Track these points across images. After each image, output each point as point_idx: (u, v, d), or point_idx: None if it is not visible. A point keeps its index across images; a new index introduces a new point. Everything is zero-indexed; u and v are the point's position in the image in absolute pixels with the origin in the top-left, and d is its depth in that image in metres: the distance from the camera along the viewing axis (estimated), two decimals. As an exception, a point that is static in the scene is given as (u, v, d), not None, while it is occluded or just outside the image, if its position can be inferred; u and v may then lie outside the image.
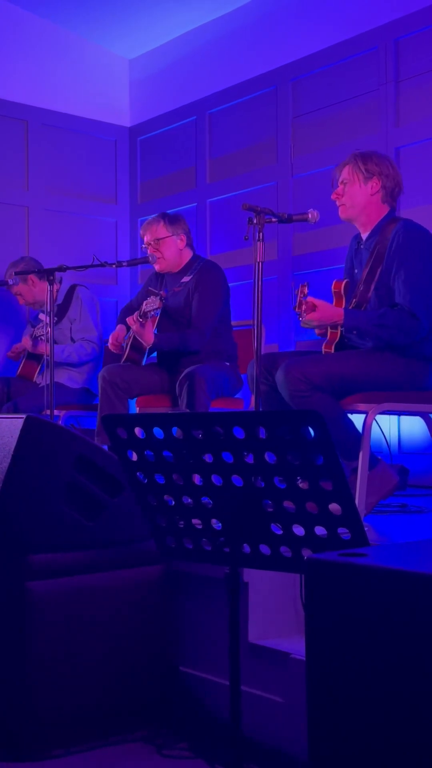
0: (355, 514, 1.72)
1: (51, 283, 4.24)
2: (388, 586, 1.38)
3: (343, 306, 3.38)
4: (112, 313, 6.14)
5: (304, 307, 3.19)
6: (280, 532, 1.84)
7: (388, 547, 1.60)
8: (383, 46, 4.87)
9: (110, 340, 4.34)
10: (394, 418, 4.68)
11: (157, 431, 1.94)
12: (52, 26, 6.10)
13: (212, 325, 4.29)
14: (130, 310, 4.50)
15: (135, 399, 4.27)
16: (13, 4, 5.92)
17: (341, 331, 3.31)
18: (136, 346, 4.26)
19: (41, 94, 6.09)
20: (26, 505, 2.57)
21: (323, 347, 3.36)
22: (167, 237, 4.38)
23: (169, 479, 2.00)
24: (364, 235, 3.49)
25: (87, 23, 6.08)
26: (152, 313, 4.11)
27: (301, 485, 1.78)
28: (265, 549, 1.88)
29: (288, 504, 1.80)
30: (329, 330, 3.33)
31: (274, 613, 2.63)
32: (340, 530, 1.75)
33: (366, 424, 3.15)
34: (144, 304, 4.14)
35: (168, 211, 4.63)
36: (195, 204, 5.95)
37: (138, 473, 2.06)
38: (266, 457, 1.79)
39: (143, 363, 4.28)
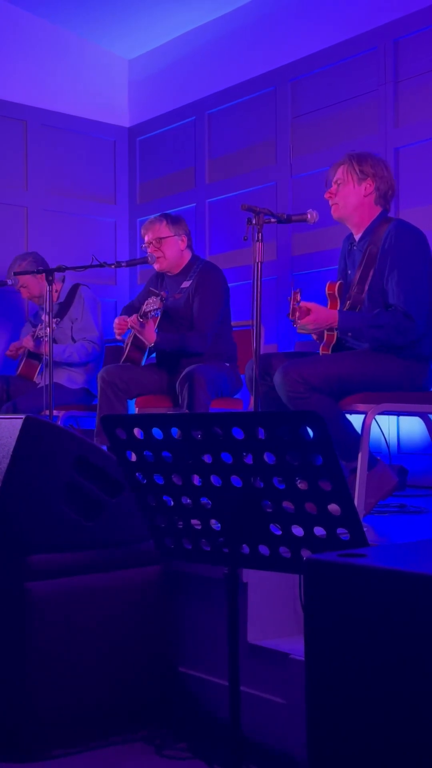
0: (354, 514, 1.72)
1: (50, 283, 4.24)
2: (387, 586, 1.39)
3: (338, 308, 3.39)
4: (111, 313, 6.14)
5: (298, 313, 3.20)
6: (280, 533, 1.84)
7: (388, 548, 1.60)
8: (382, 46, 4.87)
9: (115, 325, 4.31)
10: (393, 418, 4.68)
11: (156, 432, 1.94)
12: (51, 26, 6.10)
13: (214, 327, 4.29)
14: (131, 309, 4.50)
15: (134, 399, 4.27)
16: (13, 4, 5.92)
17: (337, 333, 3.32)
18: (137, 345, 4.25)
19: (40, 95, 6.09)
20: (25, 505, 2.57)
21: (320, 349, 3.37)
22: (169, 237, 4.38)
23: (168, 480, 2.00)
24: (357, 236, 3.49)
25: (86, 23, 6.08)
26: (153, 313, 4.11)
27: (300, 486, 1.78)
28: (264, 549, 1.88)
29: (287, 504, 1.80)
30: (326, 332, 3.34)
31: (274, 613, 2.63)
32: (340, 531, 1.75)
33: (365, 425, 3.15)
34: (145, 304, 4.15)
35: (168, 212, 4.63)
36: (194, 204, 5.96)
37: (137, 474, 2.06)
38: (265, 457, 1.79)
39: (143, 363, 4.28)
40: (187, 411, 3.91)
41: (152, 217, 4.54)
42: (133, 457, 2.04)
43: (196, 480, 1.93)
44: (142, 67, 6.43)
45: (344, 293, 3.45)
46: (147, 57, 6.39)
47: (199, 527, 2.00)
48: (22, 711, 2.53)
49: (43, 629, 2.55)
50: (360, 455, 3.14)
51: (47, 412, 4.13)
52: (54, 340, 4.62)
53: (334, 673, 1.46)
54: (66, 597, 2.59)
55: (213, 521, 1.96)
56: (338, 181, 3.43)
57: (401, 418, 4.66)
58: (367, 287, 3.34)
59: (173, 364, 4.29)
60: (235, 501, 1.87)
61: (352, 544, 1.71)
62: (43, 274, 5.17)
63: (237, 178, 5.67)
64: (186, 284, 4.38)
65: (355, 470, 3.16)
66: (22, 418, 2.58)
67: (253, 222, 3.14)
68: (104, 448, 2.99)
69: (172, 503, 2.02)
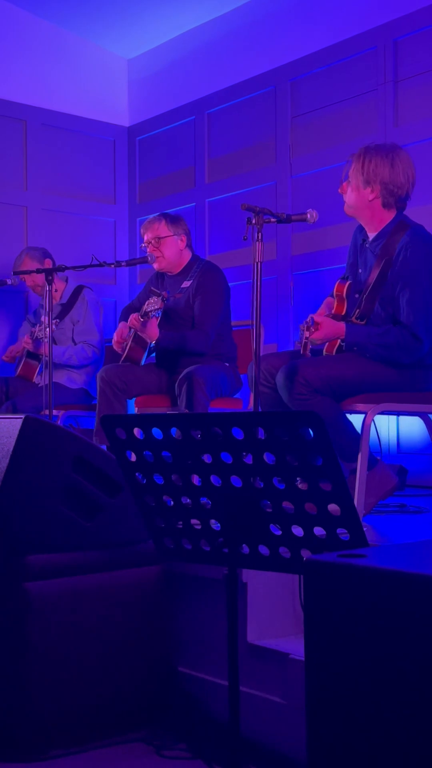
0: (354, 514, 1.72)
1: (50, 283, 4.23)
2: (387, 586, 1.38)
3: (345, 309, 3.37)
4: (110, 313, 6.14)
5: (309, 347, 3.16)
6: (279, 533, 1.84)
7: (388, 548, 1.60)
8: (382, 46, 4.87)
9: (114, 338, 4.33)
10: (393, 418, 4.68)
11: (156, 432, 1.94)
12: (50, 26, 6.10)
13: (216, 326, 4.28)
14: (131, 309, 4.49)
15: (134, 399, 4.26)
16: (12, 4, 5.92)
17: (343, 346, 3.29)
18: (138, 344, 4.25)
19: (40, 94, 6.09)
20: (24, 505, 2.57)
21: (325, 349, 3.35)
22: (168, 236, 4.37)
23: (167, 480, 2.00)
24: (371, 234, 3.41)
25: (85, 23, 6.08)
26: (154, 313, 4.11)
27: (300, 486, 1.77)
28: (264, 550, 1.88)
29: (287, 504, 1.80)
30: None
31: (273, 613, 2.63)
32: (339, 531, 1.75)
33: (365, 425, 3.15)
34: (146, 304, 4.14)
35: (167, 212, 4.63)
36: (194, 204, 5.95)
37: (136, 474, 2.06)
38: (265, 457, 1.78)
39: (143, 362, 4.28)
40: (186, 411, 3.90)
41: (151, 216, 4.53)
42: (133, 457, 2.04)
43: (196, 480, 1.93)
44: (141, 66, 6.43)
45: (353, 291, 3.41)
46: (146, 57, 6.38)
47: (199, 527, 2.00)
48: (21, 711, 2.53)
49: (43, 629, 2.55)
50: (360, 455, 3.14)
51: (47, 412, 4.13)
52: (53, 341, 4.62)
53: (333, 673, 1.46)
54: (65, 597, 2.59)
55: (213, 521, 1.96)
56: (349, 180, 3.39)
57: (401, 417, 4.66)
58: (378, 298, 3.29)
59: (173, 364, 4.28)
60: (234, 501, 1.87)
61: (351, 545, 1.71)
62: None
63: (237, 178, 5.67)
64: (186, 284, 4.37)
65: (355, 471, 3.15)
66: (21, 417, 2.58)
67: (253, 222, 3.13)
68: (104, 448, 2.99)
69: (172, 503, 2.02)
